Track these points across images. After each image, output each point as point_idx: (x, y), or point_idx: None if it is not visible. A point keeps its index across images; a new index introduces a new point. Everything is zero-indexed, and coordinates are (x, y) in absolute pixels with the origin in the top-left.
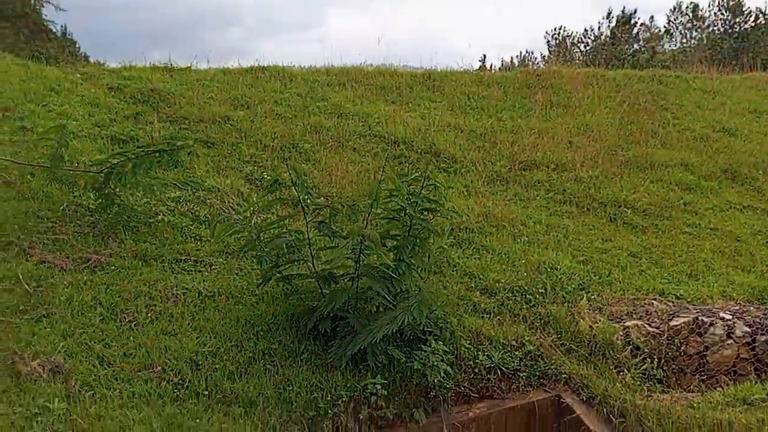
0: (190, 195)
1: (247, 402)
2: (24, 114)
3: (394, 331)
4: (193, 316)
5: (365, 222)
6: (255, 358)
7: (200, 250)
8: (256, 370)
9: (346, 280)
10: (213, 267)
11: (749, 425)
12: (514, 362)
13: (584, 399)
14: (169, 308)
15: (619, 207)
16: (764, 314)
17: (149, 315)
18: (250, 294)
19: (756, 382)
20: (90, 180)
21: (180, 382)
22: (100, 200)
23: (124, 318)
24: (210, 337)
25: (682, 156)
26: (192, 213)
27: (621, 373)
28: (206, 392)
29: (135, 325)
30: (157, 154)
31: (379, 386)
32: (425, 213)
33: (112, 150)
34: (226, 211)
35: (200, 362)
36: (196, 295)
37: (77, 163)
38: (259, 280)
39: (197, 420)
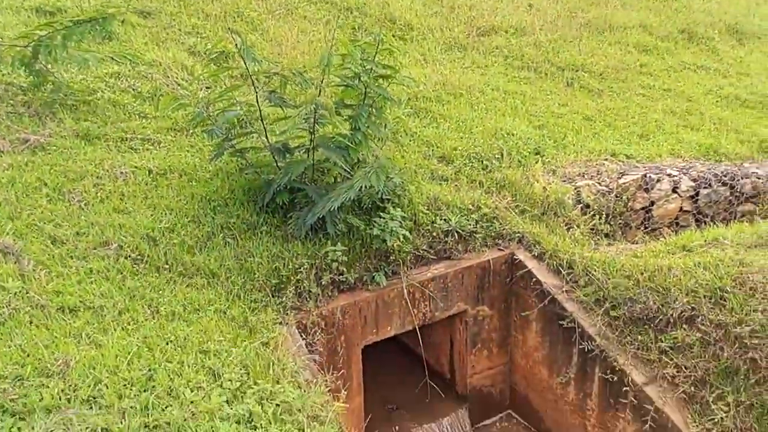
0: (129, 70)
1: (209, 273)
2: None
3: (353, 199)
4: (146, 194)
5: (318, 90)
6: (214, 232)
7: (146, 127)
8: (216, 243)
9: (301, 152)
10: (162, 144)
11: (687, 268)
12: (470, 225)
13: (536, 255)
14: (119, 187)
15: (577, 71)
16: (708, 169)
17: (99, 194)
18: (204, 170)
19: (695, 231)
20: (17, 56)
21: (138, 257)
22: (32, 77)
23: (73, 198)
24: (165, 214)
25: (641, 17)
26: (134, 89)
27: (571, 230)
28: (167, 266)
29: (85, 204)
30: (88, 24)
31: (339, 253)
32: (380, 80)
33: (39, 22)
34: (171, 85)
35: (157, 238)
36: (147, 173)
37: (1, 38)
38: (211, 156)
39: (160, 291)
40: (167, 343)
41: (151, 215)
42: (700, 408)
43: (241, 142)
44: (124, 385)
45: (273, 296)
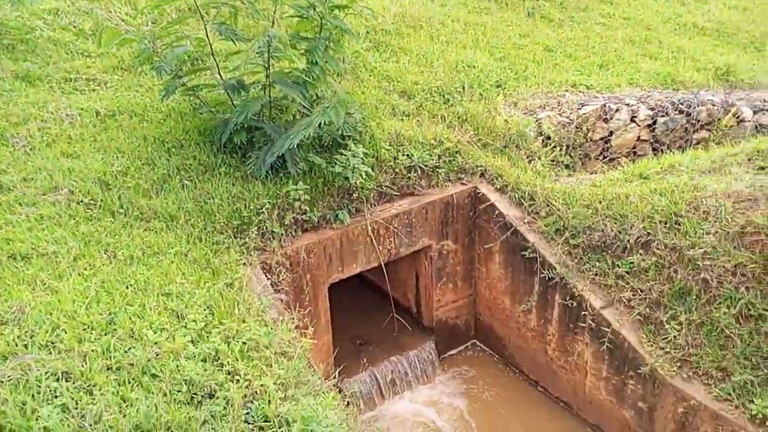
0: (69, 6)
1: (167, 217)
2: None
3: (313, 137)
4: (95, 137)
5: (271, 21)
6: (169, 174)
7: (91, 67)
8: (173, 186)
9: (257, 89)
10: (108, 85)
11: (644, 195)
12: (433, 160)
13: (498, 188)
14: (66, 130)
15: (538, 0)
16: (666, 97)
17: (45, 138)
18: (156, 111)
19: (652, 159)
20: None
21: (91, 202)
22: None
23: (17, 143)
24: (117, 157)
25: None
26: (75, 26)
27: (532, 162)
28: (122, 210)
29: (30, 149)
30: None
31: (301, 192)
32: (336, 10)
33: None
34: (114, 21)
35: (110, 182)
36: (94, 115)
37: None
38: (161, 95)
39: (116, 236)
40: (127, 287)
41: (102, 159)
42: (654, 328)
43: (193, 79)
44: (84, 329)
45: (235, 237)
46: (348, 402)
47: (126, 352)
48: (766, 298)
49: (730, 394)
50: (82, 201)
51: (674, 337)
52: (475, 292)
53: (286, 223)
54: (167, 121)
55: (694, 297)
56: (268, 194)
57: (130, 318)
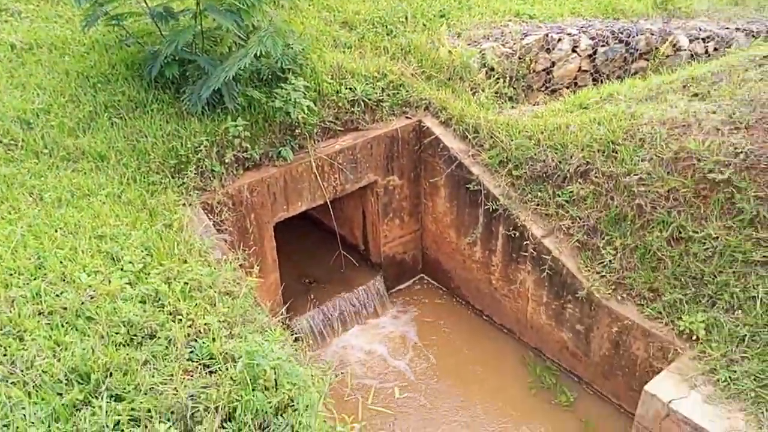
0: None
1: (96, 157)
2: None
3: (251, 70)
4: (12, 73)
5: None
6: (97, 112)
7: None
8: (101, 124)
9: (188, 17)
10: (23, 15)
11: (583, 125)
12: (376, 93)
13: (443, 121)
14: None
15: None
16: (606, 27)
17: None
18: (78, 44)
19: (592, 89)
20: None
21: (11, 143)
22: None
23: None
24: (38, 94)
25: None
26: None
27: (476, 94)
28: (46, 151)
29: None
30: None
31: (241, 128)
32: None
33: None
34: None
35: (31, 121)
36: (9, 48)
37: None
38: (82, 24)
39: (42, 178)
40: (56, 231)
41: (21, 96)
42: (591, 254)
43: (117, 7)
44: (11, 274)
45: (173, 177)
46: (296, 338)
47: (58, 296)
48: (695, 221)
49: (660, 313)
50: (1, 141)
51: (609, 261)
52: (422, 226)
53: (226, 161)
54: (91, 54)
55: (629, 222)
56: (206, 131)
57: (60, 262)
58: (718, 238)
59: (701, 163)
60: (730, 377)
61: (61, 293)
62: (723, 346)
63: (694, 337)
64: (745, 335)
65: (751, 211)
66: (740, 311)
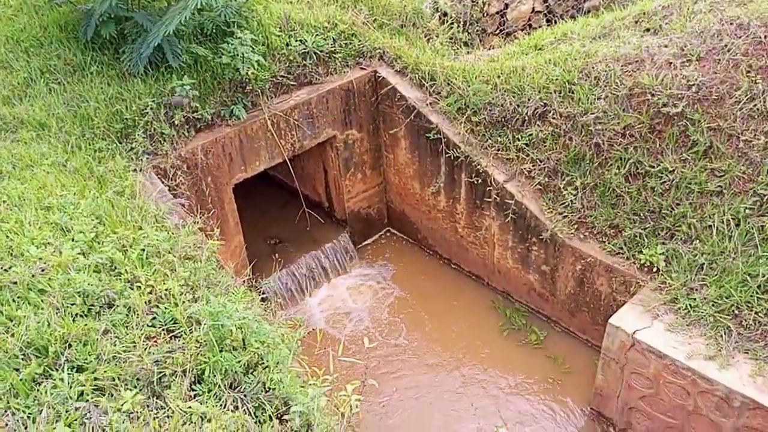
0: None
1: (36, 125)
2: None
3: (194, 25)
4: None
5: None
6: (32, 78)
7: None
8: (38, 91)
9: None
10: None
11: (539, 66)
12: (328, 44)
13: (398, 70)
14: None
15: None
16: None
17: None
18: (3, 5)
19: (546, 29)
20: None
21: None
22: None
23: None
24: None
25: None
26: None
27: (431, 41)
28: None
29: None
30: None
31: (188, 87)
32: None
33: None
34: None
35: None
36: None
37: None
38: None
39: None
40: None
41: None
42: (553, 195)
43: None
44: None
45: (120, 143)
46: (264, 298)
47: (6, 271)
48: (652, 156)
49: (621, 248)
50: None
51: (571, 201)
52: (385, 179)
53: (175, 123)
54: (19, 16)
55: (588, 162)
56: (151, 92)
57: (6, 236)
58: (674, 171)
59: (655, 98)
60: (690, 305)
61: (10, 267)
62: (682, 275)
63: (655, 269)
64: (703, 264)
65: (705, 143)
66: (698, 241)
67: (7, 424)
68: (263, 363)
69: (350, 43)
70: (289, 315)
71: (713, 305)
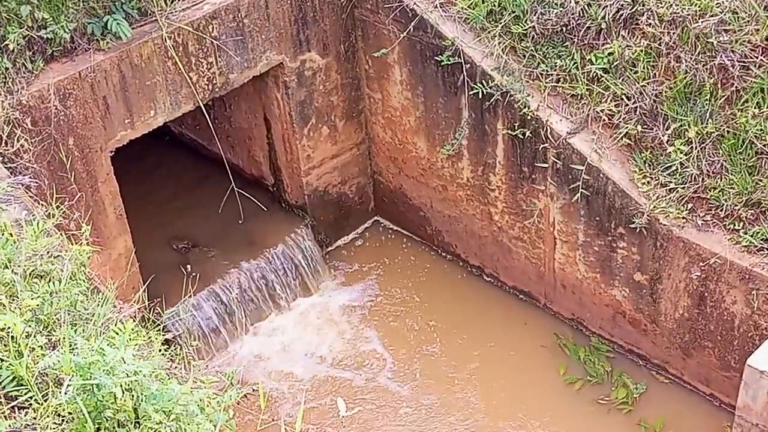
0: None
1: None
2: None
3: None
4: None
5: None
6: None
7: None
8: None
9: None
10: None
11: None
12: None
13: None
14: None
15: None
16: None
17: None
18: None
19: None
20: None
21: None
22: None
23: None
24: None
25: None
26: None
27: None
28: None
29: None
30: None
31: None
32: None
33: None
34: None
35: None
36: None
37: None
38: None
39: None
40: None
41: None
42: (650, 155)
43: None
44: None
45: None
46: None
47: None
48: None
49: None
50: None
51: (681, 164)
52: (369, 136)
53: (11, 48)
54: None
55: (708, 97)
56: None
57: None
58: None
59: None
60: None
61: None
62: None
63: None
64: None
65: None
66: None
67: None
68: None
69: None
70: (214, 366)
71: None
